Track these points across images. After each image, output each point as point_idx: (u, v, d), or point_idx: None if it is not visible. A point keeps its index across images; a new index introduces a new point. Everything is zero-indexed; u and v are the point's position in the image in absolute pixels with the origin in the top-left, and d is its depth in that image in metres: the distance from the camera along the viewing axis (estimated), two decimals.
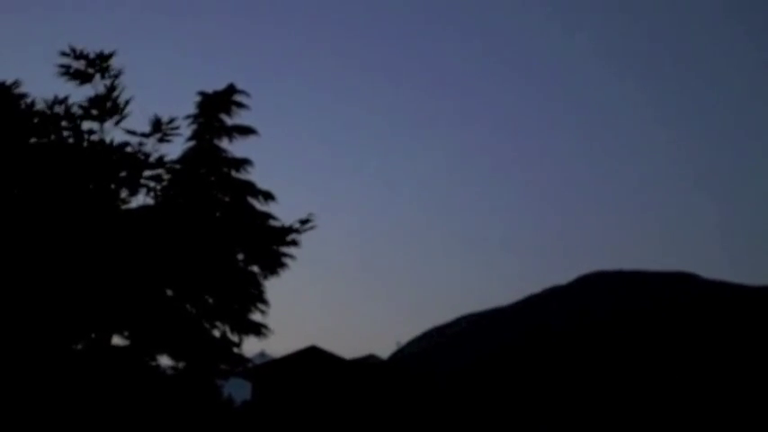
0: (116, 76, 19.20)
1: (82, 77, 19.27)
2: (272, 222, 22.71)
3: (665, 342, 65.25)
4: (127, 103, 19.29)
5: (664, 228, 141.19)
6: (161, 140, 19.58)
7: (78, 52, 19.14)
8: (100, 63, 19.19)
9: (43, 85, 20.20)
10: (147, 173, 19.69)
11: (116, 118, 19.23)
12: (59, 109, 18.83)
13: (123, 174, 19.43)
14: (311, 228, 22.15)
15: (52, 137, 19.01)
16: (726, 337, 64.51)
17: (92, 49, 19.31)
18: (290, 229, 22.25)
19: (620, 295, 77.48)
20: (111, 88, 19.20)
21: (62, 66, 19.26)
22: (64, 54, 19.17)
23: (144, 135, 19.37)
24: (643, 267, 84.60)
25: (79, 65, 19.24)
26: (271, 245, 22.22)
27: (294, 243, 22.35)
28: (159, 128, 19.51)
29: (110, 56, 19.26)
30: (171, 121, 19.63)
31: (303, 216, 22.10)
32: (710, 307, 70.30)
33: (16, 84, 19.10)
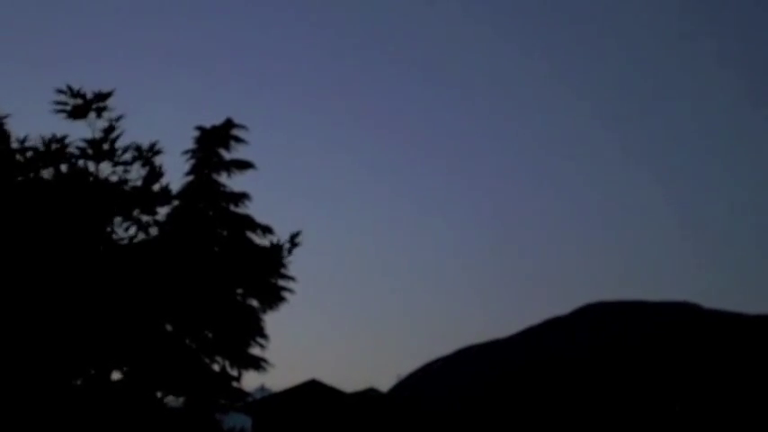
0: (116, 119, 19.19)
1: (77, 115, 19.21)
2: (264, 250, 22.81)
3: (668, 373, 65.02)
4: (126, 148, 19.31)
5: (663, 256, 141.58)
6: (144, 165, 19.64)
7: (75, 91, 19.12)
8: (96, 102, 19.17)
9: (32, 118, 20.14)
10: (139, 207, 19.72)
11: (113, 160, 19.25)
12: (56, 147, 18.80)
13: (116, 208, 19.43)
14: (298, 244, 22.37)
15: (45, 172, 18.95)
16: (729, 367, 64.31)
17: (89, 86, 19.32)
18: (279, 248, 22.35)
19: (622, 325, 77.30)
20: (110, 129, 19.16)
21: (58, 102, 19.21)
22: (60, 91, 19.14)
23: (126, 163, 19.43)
24: (644, 297, 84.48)
25: (75, 102, 19.20)
26: (267, 276, 22.26)
27: (289, 276, 22.46)
28: (141, 155, 19.58)
29: (107, 95, 19.23)
30: (152, 146, 19.70)
31: (293, 236, 22.41)
32: (713, 337, 70.14)
33: (5, 117, 19.02)
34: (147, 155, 19.60)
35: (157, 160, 19.88)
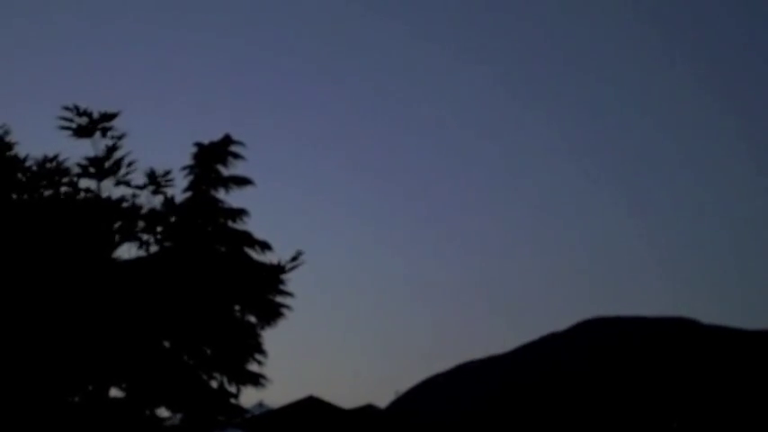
0: (119, 138, 19.31)
1: (82, 133, 19.33)
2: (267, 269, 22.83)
3: (666, 388, 64.98)
4: (129, 164, 19.43)
5: (661, 270, 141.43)
6: (155, 192, 19.76)
7: (82, 110, 19.22)
8: (102, 122, 19.28)
9: (36, 133, 20.26)
10: (141, 224, 19.82)
11: (115, 178, 19.38)
12: (51, 166, 18.92)
13: (117, 226, 19.52)
14: (299, 264, 22.44)
15: (44, 192, 19.05)
16: (727, 381, 64.28)
17: (85, 102, 19.46)
18: (280, 268, 22.42)
19: (620, 340, 77.27)
20: (113, 149, 19.28)
21: (63, 119, 19.31)
22: (66, 109, 19.24)
23: (138, 187, 19.55)
24: (642, 313, 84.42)
25: (81, 121, 19.32)
26: (265, 292, 22.32)
27: (287, 293, 22.50)
28: (154, 180, 19.69)
29: (113, 115, 19.34)
30: (166, 173, 19.83)
31: (292, 255, 22.45)
32: (711, 352, 70.15)
33: (6, 132, 19.13)
34: (159, 180, 19.77)
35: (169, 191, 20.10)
